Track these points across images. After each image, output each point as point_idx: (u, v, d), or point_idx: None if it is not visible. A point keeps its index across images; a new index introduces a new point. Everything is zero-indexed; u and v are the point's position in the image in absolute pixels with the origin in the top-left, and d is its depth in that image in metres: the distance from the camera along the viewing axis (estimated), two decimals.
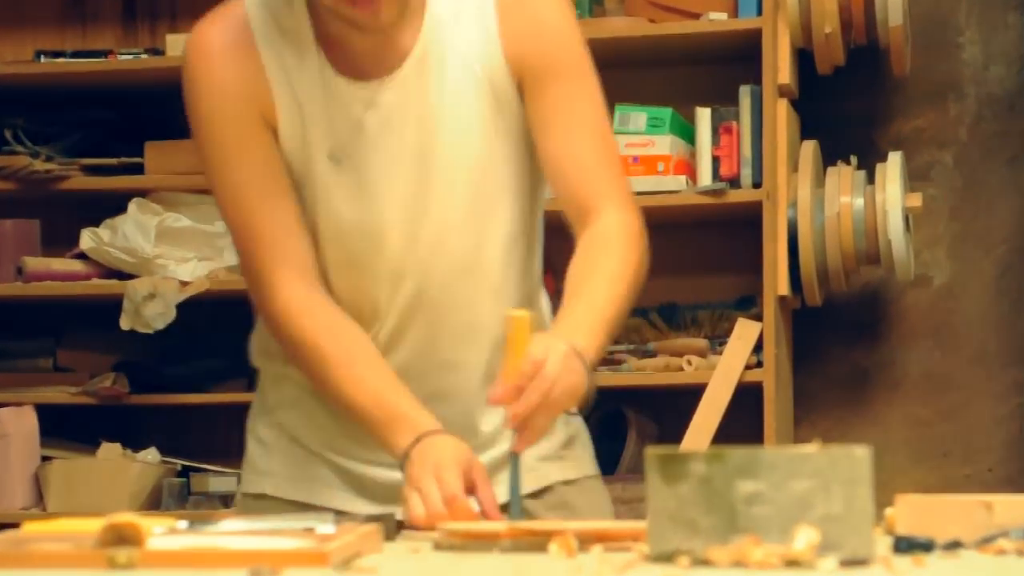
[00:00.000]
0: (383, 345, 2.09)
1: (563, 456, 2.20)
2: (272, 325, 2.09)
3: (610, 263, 2.04)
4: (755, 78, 4.13)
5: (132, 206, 4.33)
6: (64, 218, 4.54)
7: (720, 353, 4.13)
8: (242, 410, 4.39)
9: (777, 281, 4.06)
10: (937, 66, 4.37)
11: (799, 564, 1.34)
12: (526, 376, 1.89)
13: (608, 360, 4.12)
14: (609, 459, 4.04)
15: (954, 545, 1.54)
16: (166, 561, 1.42)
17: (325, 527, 1.62)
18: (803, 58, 4.24)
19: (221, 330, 4.46)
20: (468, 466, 1.96)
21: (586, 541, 1.56)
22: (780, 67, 4.08)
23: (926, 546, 1.52)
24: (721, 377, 4.08)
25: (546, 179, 2.13)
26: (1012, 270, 4.33)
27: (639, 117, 4.12)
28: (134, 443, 4.42)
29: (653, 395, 4.26)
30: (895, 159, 4.11)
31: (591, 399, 1.98)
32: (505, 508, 1.97)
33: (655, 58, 4.29)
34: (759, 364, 4.09)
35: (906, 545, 1.52)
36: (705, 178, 4.16)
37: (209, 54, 2.10)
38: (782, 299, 4.11)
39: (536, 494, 2.15)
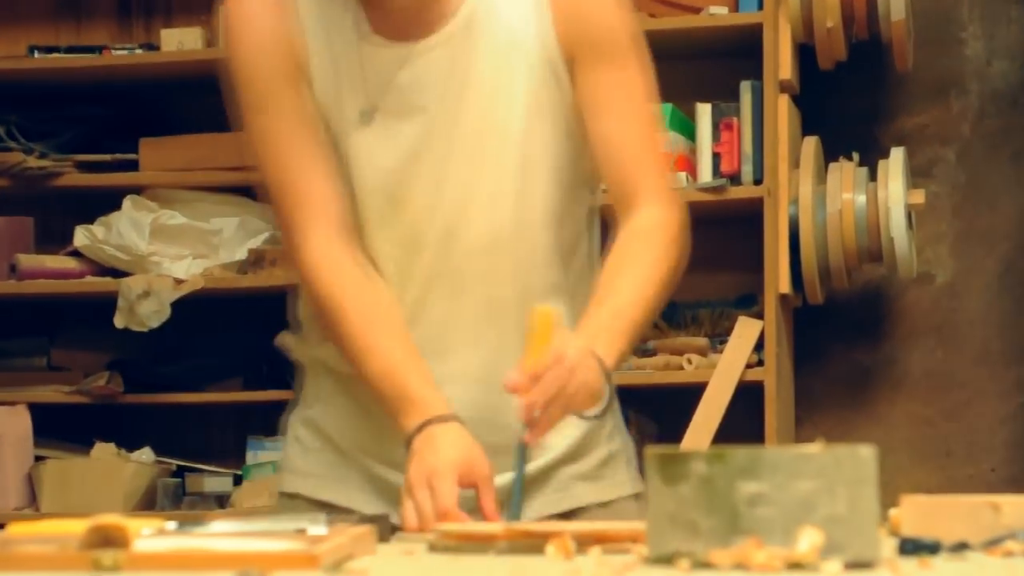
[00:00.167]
0: (406, 315, 2.06)
1: (599, 476, 2.17)
2: (300, 277, 2.08)
3: (641, 264, 2.03)
4: (756, 73, 4.12)
5: (126, 203, 4.33)
6: (58, 215, 4.55)
7: (721, 352, 4.13)
8: (237, 409, 4.47)
9: (778, 279, 4.06)
10: (940, 61, 4.38)
11: (802, 567, 1.33)
12: (545, 367, 1.87)
13: None
14: None
15: (961, 547, 1.51)
16: (152, 563, 1.40)
17: (317, 528, 1.59)
18: (804, 53, 4.23)
19: (216, 329, 4.46)
20: (468, 466, 1.93)
21: (584, 543, 1.54)
22: (781, 62, 4.09)
23: (932, 548, 1.50)
24: (722, 376, 4.08)
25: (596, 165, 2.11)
26: (1015, 268, 4.34)
27: None
28: (128, 443, 4.42)
29: (653, 394, 4.25)
30: (897, 155, 4.11)
31: (608, 404, 1.96)
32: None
33: (655, 53, 4.21)
34: (760, 363, 4.10)
35: (912, 547, 1.49)
36: (705, 175, 4.15)
37: (248, 6, 2.07)
38: (783, 297, 4.11)
39: (567, 515, 2.12)
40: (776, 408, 4.03)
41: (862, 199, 4.08)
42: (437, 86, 2.04)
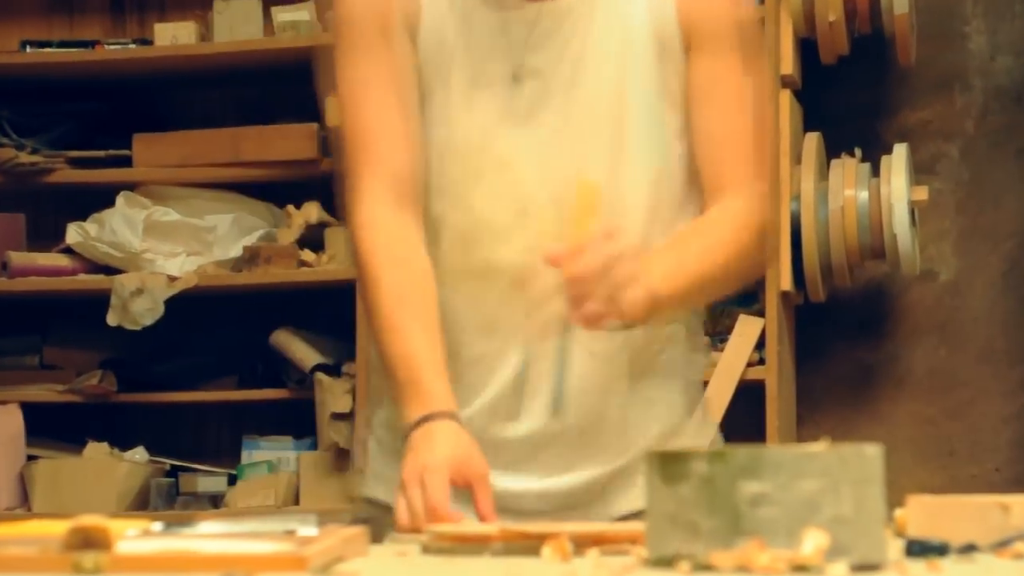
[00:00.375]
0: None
1: None
2: (350, 234, 2.07)
3: (715, 230, 2.02)
4: None
5: (120, 199, 4.33)
6: (50, 212, 4.55)
7: (721, 350, 4.13)
8: (232, 408, 4.46)
9: (780, 276, 4.06)
10: (943, 56, 4.38)
11: (807, 569, 1.31)
12: (591, 241, 1.83)
13: None
14: None
15: (969, 548, 1.49)
16: (134, 566, 1.38)
17: (307, 529, 1.56)
18: (806, 48, 4.23)
19: (210, 327, 4.46)
20: (463, 463, 1.90)
21: (582, 544, 1.52)
22: (782, 57, 4.10)
23: (940, 550, 1.47)
24: (723, 375, 4.08)
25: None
26: (1020, 265, 4.34)
27: None
28: (121, 442, 4.42)
29: None
30: (900, 151, 4.11)
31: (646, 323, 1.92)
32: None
33: None
34: (761, 361, 4.10)
35: (919, 548, 1.47)
36: None
37: None
38: (785, 295, 4.10)
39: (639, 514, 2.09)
40: (777, 407, 4.02)
41: (864, 195, 4.07)
42: (554, 52, 2.02)
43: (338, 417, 4.12)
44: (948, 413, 4.33)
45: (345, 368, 4.18)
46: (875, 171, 4.12)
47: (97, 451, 4.34)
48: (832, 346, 4.40)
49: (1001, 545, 1.50)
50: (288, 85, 4.42)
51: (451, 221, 2.05)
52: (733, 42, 2.07)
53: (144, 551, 1.41)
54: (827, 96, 4.33)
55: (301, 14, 4.28)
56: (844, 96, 4.38)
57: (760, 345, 4.10)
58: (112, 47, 4.41)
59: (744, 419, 4.07)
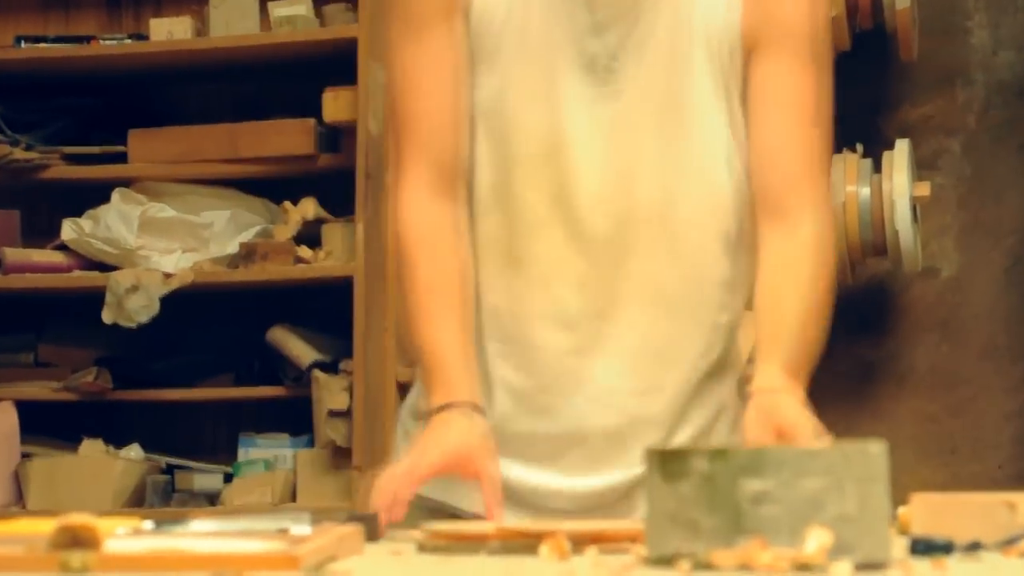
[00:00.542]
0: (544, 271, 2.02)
1: None
2: (392, 217, 2.07)
3: (808, 286, 2.00)
4: None
5: (115, 196, 4.33)
6: (45, 208, 4.54)
7: None
8: (228, 406, 4.45)
9: None
10: (945, 51, 4.38)
11: (810, 568, 1.30)
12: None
13: None
14: None
15: (974, 547, 1.48)
16: (123, 565, 1.37)
17: (300, 528, 1.55)
18: None
19: (207, 324, 4.46)
20: (469, 456, 1.89)
21: (580, 543, 1.51)
22: None
23: (945, 548, 1.47)
24: None
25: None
26: (1022, 261, 4.34)
27: None
28: (117, 440, 4.41)
29: None
30: (902, 147, 4.11)
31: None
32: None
33: None
34: None
35: (924, 547, 1.47)
36: None
37: None
38: None
39: None
40: None
41: (866, 191, 4.07)
42: (615, 40, 1.99)
43: (335, 415, 4.11)
44: (950, 410, 4.33)
45: (342, 365, 4.17)
46: (877, 167, 4.11)
47: (92, 449, 4.33)
48: (833, 343, 4.33)
49: (1007, 543, 1.49)
50: (285, 80, 4.42)
51: (491, 206, 2.03)
52: (801, 45, 2.01)
53: (133, 550, 1.40)
54: None
55: (298, 9, 4.26)
56: (845, 91, 4.32)
57: None
58: (107, 42, 4.40)
59: None
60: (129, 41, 4.40)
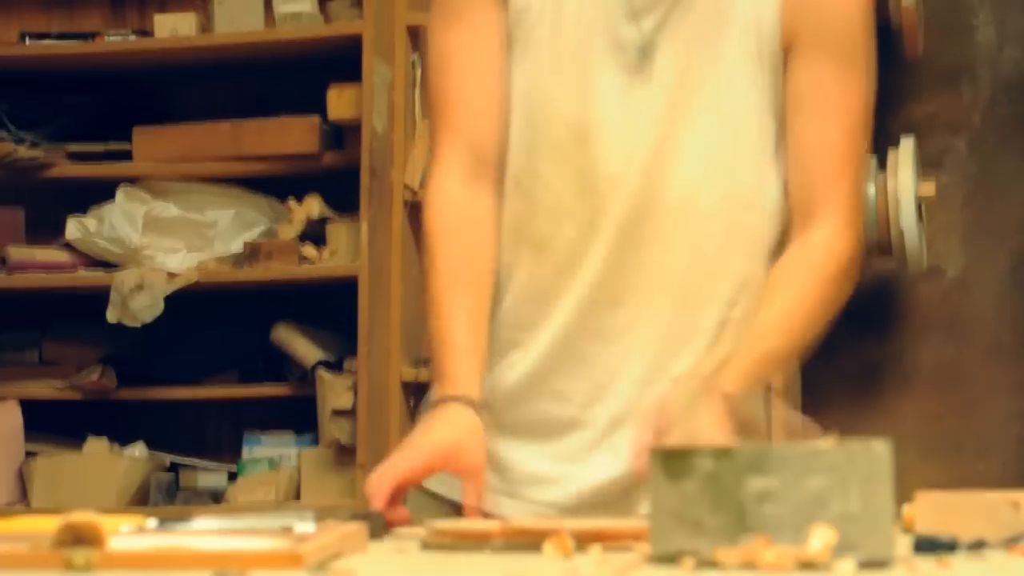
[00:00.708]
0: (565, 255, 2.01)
1: None
2: (423, 200, 2.08)
3: (794, 292, 1.98)
4: None
5: (119, 194, 4.32)
6: (49, 206, 4.53)
7: None
8: (233, 404, 4.44)
9: None
10: (950, 49, 4.37)
11: (814, 566, 1.29)
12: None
13: None
14: None
15: (979, 545, 1.47)
16: (127, 562, 1.36)
17: (304, 526, 1.55)
18: None
19: (210, 323, 4.45)
20: (456, 450, 1.90)
21: (584, 541, 1.50)
22: None
23: (949, 546, 1.46)
24: None
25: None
26: None
27: None
28: (121, 438, 4.40)
29: None
30: (907, 145, 4.10)
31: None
32: None
33: None
34: None
35: (928, 545, 1.46)
36: None
37: None
38: None
39: None
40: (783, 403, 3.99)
41: (871, 189, 4.06)
42: (652, 28, 1.98)
43: (339, 413, 4.11)
44: (955, 409, 4.32)
45: (346, 364, 4.16)
46: (882, 165, 4.10)
47: (97, 447, 4.33)
48: (838, 342, 4.34)
49: (1011, 541, 1.49)
50: (289, 78, 4.41)
51: (517, 191, 2.03)
52: (839, 48, 1.98)
53: (137, 548, 1.40)
54: None
55: (303, 5, 4.25)
56: None
57: None
58: (112, 39, 4.39)
59: None
60: (133, 38, 4.38)
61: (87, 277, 4.31)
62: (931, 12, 4.31)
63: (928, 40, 4.28)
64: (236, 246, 4.29)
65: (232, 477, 4.31)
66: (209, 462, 4.37)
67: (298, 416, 4.30)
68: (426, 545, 1.61)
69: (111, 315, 4.20)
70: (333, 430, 4.11)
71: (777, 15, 1.98)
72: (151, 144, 4.34)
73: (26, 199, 4.50)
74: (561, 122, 1.99)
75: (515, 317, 2.03)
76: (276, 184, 4.36)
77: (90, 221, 4.31)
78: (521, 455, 2.03)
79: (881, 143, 4.17)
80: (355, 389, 4.10)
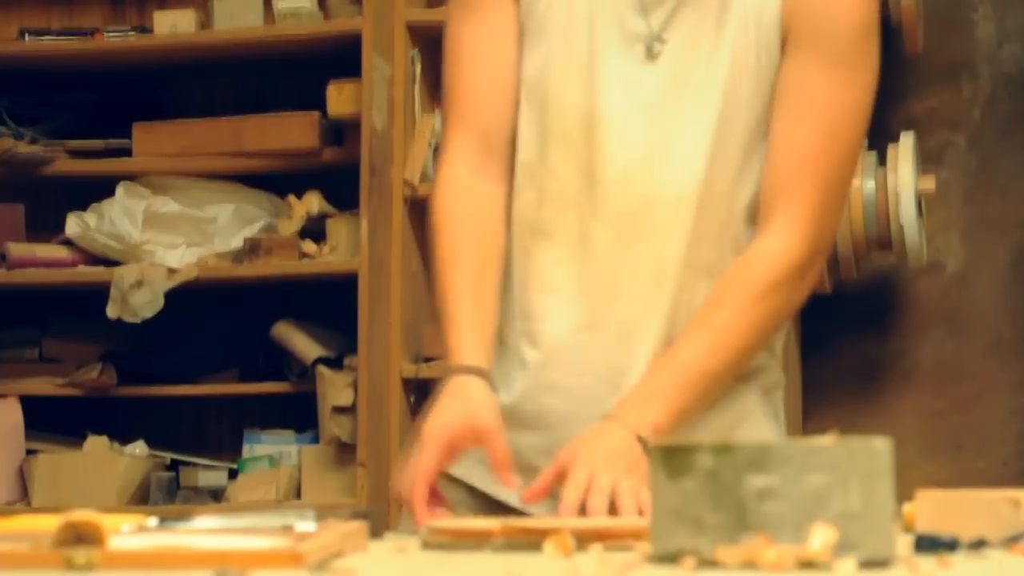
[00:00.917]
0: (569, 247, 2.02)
1: None
2: (433, 189, 2.10)
3: (730, 310, 1.95)
4: None
5: (119, 190, 4.31)
6: (49, 203, 4.51)
7: None
8: (233, 402, 4.44)
9: None
10: (950, 44, 4.36)
11: (815, 565, 1.29)
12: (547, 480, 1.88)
13: None
14: None
15: (979, 544, 1.48)
16: (127, 561, 1.36)
17: (305, 524, 1.56)
18: None
19: (211, 319, 4.44)
20: (470, 423, 1.90)
21: (584, 540, 1.51)
22: None
23: (950, 545, 1.46)
24: None
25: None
26: None
27: None
28: (121, 436, 4.39)
29: None
30: (907, 140, 4.09)
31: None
32: None
33: None
34: None
35: (929, 544, 1.46)
36: None
37: None
38: None
39: None
40: (783, 400, 3.98)
41: (871, 185, 4.05)
42: (660, 20, 1.99)
43: (339, 411, 4.10)
44: (955, 406, 4.31)
45: (347, 361, 4.16)
46: (881, 160, 4.09)
47: (97, 445, 4.31)
48: (838, 338, 4.38)
49: (1012, 540, 1.49)
50: (289, 74, 4.40)
51: (525, 181, 2.04)
52: (834, 47, 1.96)
53: (137, 547, 1.40)
54: None
55: (302, 2, 4.25)
56: None
57: None
58: (111, 35, 4.37)
59: None
60: (133, 34, 4.37)
61: (87, 273, 4.30)
62: (931, 8, 4.30)
63: (928, 36, 4.27)
64: (236, 242, 4.28)
65: (232, 475, 4.30)
66: (209, 460, 4.36)
67: (298, 413, 4.29)
68: (426, 544, 1.61)
69: (111, 311, 4.19)
70: (333, 427, 4.11)
71: (777, 9, 1.97)
72: (151, 140, 4.33)
73: (26, 195, 4.48)
74: (570, 113, 2.00)
75: (521, 307, 2.03)
76: (276, 180, 4.36)
77: (90, 217, 4.30)
78: (526, 442, 2.02)
79: (881, 139, 4.17)
80: (355, 386, 4.09)
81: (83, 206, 4.34)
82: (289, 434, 4.30)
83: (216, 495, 4.25)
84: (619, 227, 2.00)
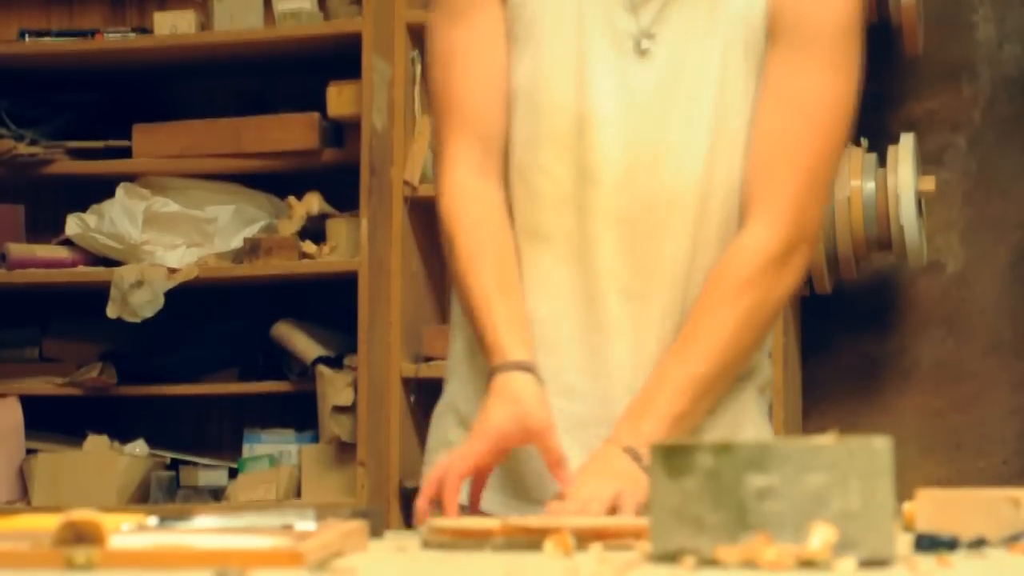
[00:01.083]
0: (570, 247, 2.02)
1: None
2: (437, 196, 2.08)
3: (718, 313, 1.95)
4: None
5: (119, 191, 4.31)
6: (49, 203, 4.52)
7: None
8: (233, 401, 4.44)
9: None
10: (950, 45, 4.36)
11: (815, 564, 1.29)
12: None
13: None
14: None
15: (979, 543, 1.47)
16: (127, 561, 1.36)
17: (305, 524, 1.56)
18: None
19: (211, 319, 4.45)
20: (520, 422, 1.90)
21: (584, 539, 1.50)
22: None
23: (950, 544, 1.45)
24: None
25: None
26: None
27: None
28: (121, 435, 4.39)
29: None
30: (907, 141, 4.09)
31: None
32: None
33: None
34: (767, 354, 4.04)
35: (929, 543, 1.45)
36: None
37: None
38: None
39: None
40: (783, 399, 4.00)
41: (871, 186, 4.05)
42: (650, 17, 1.99)
43: (340, 410, 4.10)
44: (955, 405, 4.31)
45: (347, 361, 4.16)
46: (882, 161, 4.09)
47: (97, 444, 4.31)
48: (838, 338, 4.38)
49: (1012, 539, 1.48)
50: (289, 75, 4.41)
51: (517, 183, 2.04)
52: (817, 43, 1.95)
53: (138, 546, 1.40)
54: None
55: (302, 3, 4.25)
56: None
57: None
58: (111, 36, 4.38)
59: None
60: (133, 35, 4.38)
61: (87, 273, 4.30)
62: (931, 9, 4.30)
63: (928, 37, 4.27)
64: (236, 242, 4.29)
65: (232, 474, 4.30)
66: (209, 459, 4.36)
67: (298, 413, 4.29)
68: (427, 543, 1.60)
69: (111, 311, 4.19)
70: (333, 427, 4.11)
71: (764, 5, 1.97)
72: (151, 141, 4.34)
73: (26, 196, 4.49)
74: (561, 113, 2.00)
75: (527, 311, 2.03)
76: (276, 181, 4.36)
77: (90, 218, 4.30)
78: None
79: (881, 140, 4.17)
80: (355, 385, 4.09)
81: (83, 206, 4.34)
82: (289, 433, 4.30)
83: (216, 494, 4.26)
84: (623, 228, 1.99)
